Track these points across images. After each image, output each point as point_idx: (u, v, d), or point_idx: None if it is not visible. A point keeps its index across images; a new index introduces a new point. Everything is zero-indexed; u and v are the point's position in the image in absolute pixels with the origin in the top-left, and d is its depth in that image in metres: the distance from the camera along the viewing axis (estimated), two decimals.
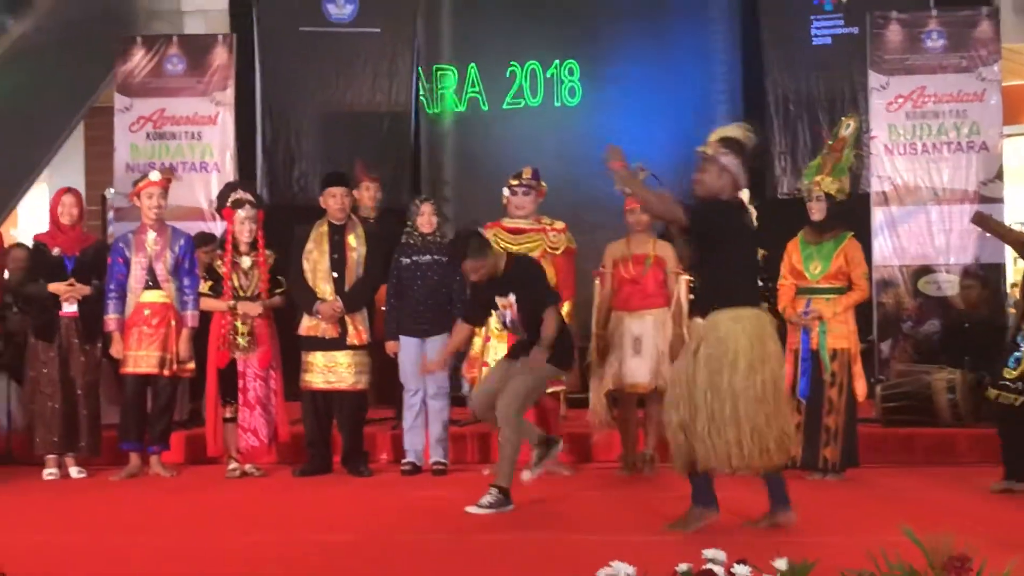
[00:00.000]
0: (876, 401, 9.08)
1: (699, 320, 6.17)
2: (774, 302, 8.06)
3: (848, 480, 7.80)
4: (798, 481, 7.80)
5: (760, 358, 5.98)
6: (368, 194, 9.24)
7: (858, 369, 7.90)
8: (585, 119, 11.79)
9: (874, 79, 10.37)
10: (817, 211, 7.96)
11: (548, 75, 11.95)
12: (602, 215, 9.76)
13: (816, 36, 11.37)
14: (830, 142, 8.24)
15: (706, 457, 5.96)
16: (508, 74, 11.95)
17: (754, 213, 8.13)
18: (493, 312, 7.52)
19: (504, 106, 11.96)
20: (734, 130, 6.32)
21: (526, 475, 7.44)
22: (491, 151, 11.62)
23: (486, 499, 6.84)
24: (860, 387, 7.89)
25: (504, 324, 7.44)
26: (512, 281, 7.20)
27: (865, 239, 8.42)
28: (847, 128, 8.24)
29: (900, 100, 10.33)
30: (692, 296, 8.10)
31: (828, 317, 7.82)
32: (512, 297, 7.14)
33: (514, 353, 7.35)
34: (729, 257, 6.11)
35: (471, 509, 6.79)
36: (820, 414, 7.82)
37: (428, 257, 8.37)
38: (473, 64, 11.98)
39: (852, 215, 8.47)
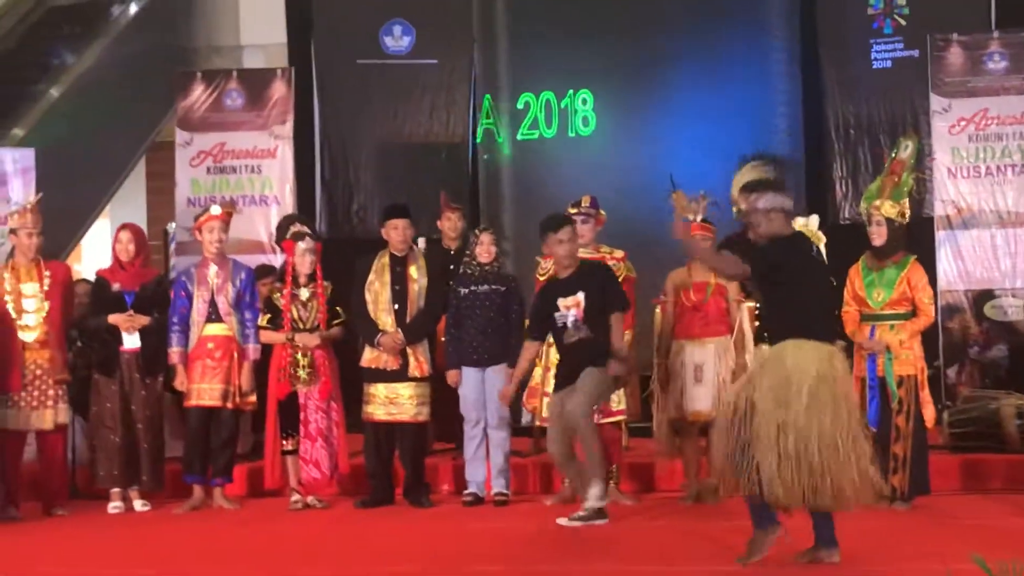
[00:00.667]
0: (943, 428, 8.94)
1: (765, 348, 6.10)
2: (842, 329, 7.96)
3: (917, 508, 7.68)
4: (865, 510, 7.70)
5: (829, 395, 5.86)
6: (449, 224, 9.26)
7: (926, 395, 7.78)
8: (643, 148, 11.75)
9: (936, 102, 10.27)
10: (877, 236, 7.86)
11: (606, 104, 11.93)
12: (662, 243, 9.70)
13: (876, 60, 11.29)
14: (886, 166, 8.15)
15: (772, 491, 5.81)
16: (564, 104, 11.94)
17: (823, 239, 8.09)
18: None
19: (570, 133, 11.94)
20: (749, 173, 6.28)
21: (549, 501, 7.83)
22: (550, 180, 11.61)
23: (591, 502, 6.98)
24: (928, 413, 7.78)
25: (565, 325, 7.38)
26: (582, 280, 7.20)
27: (929, 263, 8.33)
28: (906, 149, 8.15)
29: (963, 123, 10.22)
30: (757, 323, 8.05)
31: (895, 347, 7.71)
32: (581, 295, 7.08)
33: (563, 383, 7.34)
34: (795, 291, 6.00)
35: (563, 521, 6.77)
36: (888, 442, 7.71)
37: (486, 287, 8.35)
38: (529, 93, 11.98)
39: (913, 239, 8.36)
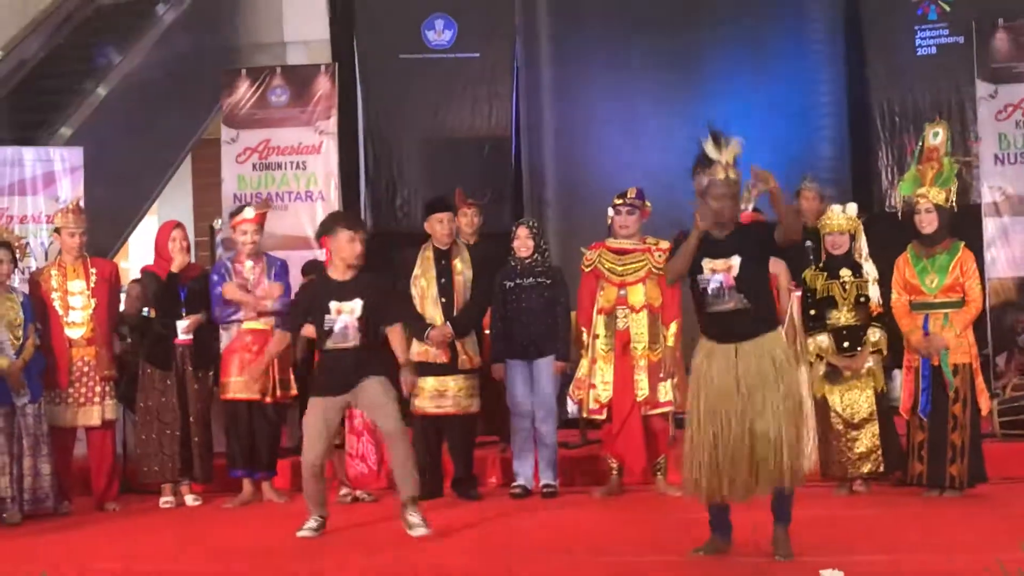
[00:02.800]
0: (992, 416, 8.88)
1: (758, 342, 6.02)
2: (887, 315, 7.93)
3: (968, 496, 7.64)
4: (918, 497, 7.68)
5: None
6: (466, 220, 9.26)
7: (981, 383, 7.75)
8: (687, 138, 11.70)
9: (982, 88, 10.19)
10: (928, 223, 7.81)
11: (648, 94, 11.91)
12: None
13: (921, 46, 11.22)
14: (917, 153, 8.10)
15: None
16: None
17: (860, 227, 8.05)
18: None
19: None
20: (716, 148, 6.23)
21: (597, 493, 7.95)
22: (594, 171, 11.60)
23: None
24: (984, 401, 7.74)
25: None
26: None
27: (977, 251, 8.27)
28: (935, 136, 8.09)
29: (1009, 108, 10.14)
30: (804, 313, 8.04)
31: (952, 344, 7.67)
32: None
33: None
34: (767, 276, 6.18)
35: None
36: (945, 431, 7.66)
37: (531, 280, 8.36)
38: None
39: (961, 227, 8.30)
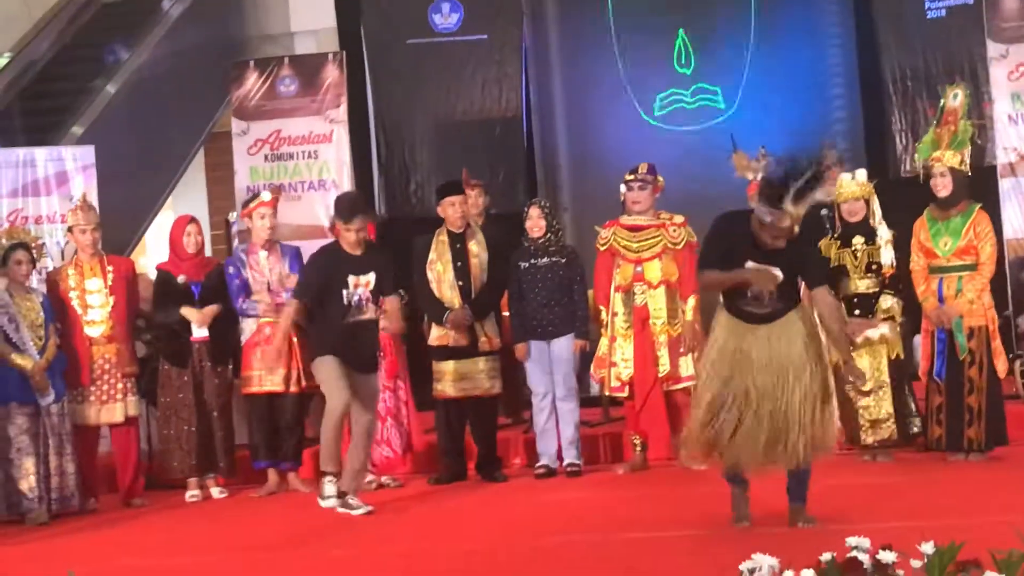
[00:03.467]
0: (1016, 377, 8.84)
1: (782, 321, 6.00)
2: (906, 282, 7.89)
3: (992, 459, 7.62)
4: (941, 462, 7.66)
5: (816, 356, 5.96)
6: (471, 200, 9.25)
7: (997, 345, 7.72)
8: (696, 107, 11.70)
9: (993, 48, 10.10)
10: (943, 187, 7.78)
11: (658, 69, 11.89)
12: (724, 207, 9.65)
13: (930, 9, 11.13)
14: (937, 116, 8.05)
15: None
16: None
17: (872, 192, 8.01)
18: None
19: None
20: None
21: (621, 470, 8.04)
22: (605, 148, 11.58)
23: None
24: (1001, 364, 7.72)
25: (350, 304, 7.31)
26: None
27: (994, 213, 8.22)
28: (955, 98, 8.03)
29: (1021, 68, 10.04)
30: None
31: (966, 311, 7.64)
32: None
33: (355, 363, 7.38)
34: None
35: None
36: (962, 394, 7.64)
37: (546, 259, 8.35)
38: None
39: (977, 189, 8.25)
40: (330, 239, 10.18)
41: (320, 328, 7.49)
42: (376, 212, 8.85)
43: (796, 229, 5.81)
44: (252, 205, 8.68)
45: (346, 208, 7.42)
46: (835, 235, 8.11)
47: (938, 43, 11.10)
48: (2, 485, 7.89)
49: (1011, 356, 8.75)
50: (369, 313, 7.36)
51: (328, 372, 7.27)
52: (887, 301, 7.86)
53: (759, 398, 5.79)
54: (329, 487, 7.18)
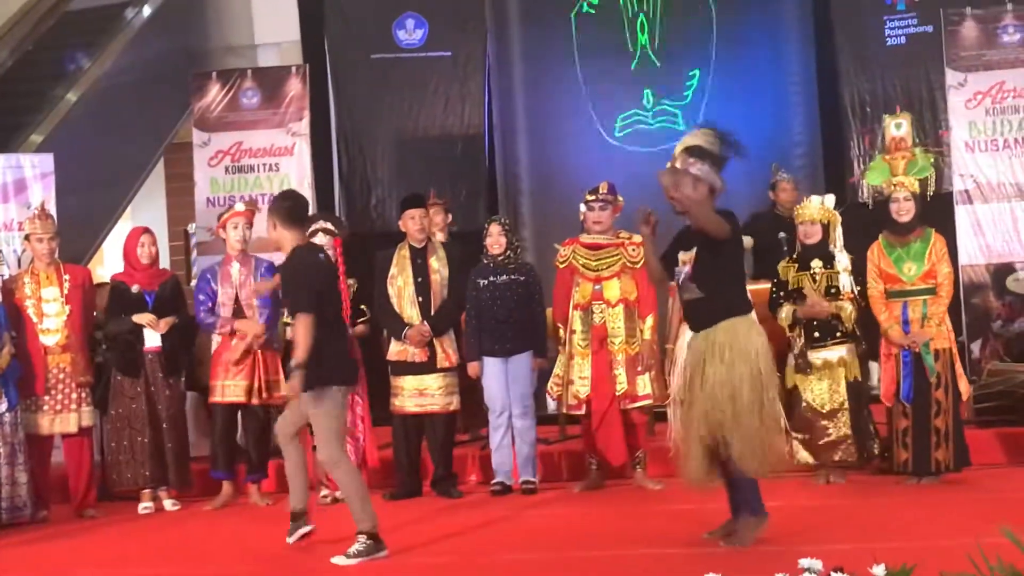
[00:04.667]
0: (968, 402, 8.92)
1: (707, 331, 6.08)
2: (864, 305, 7.96)
3: (946, 482, 7.68)
4: (898, 485, 7.71)
5: (771, 362, 6.07)
6: (438, 219, 9.28)
7: (960, 368, 7.82)
8: (658, 129, 11.76)
9: (951, 76, 10.22)
10: (907, 211, 7.85)
11: (619, 88, 11.93)
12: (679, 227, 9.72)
13: (890, 36, 11.28)
14: (880, 145, 8.15)
15: (763, 463, 5.96)
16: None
17: (838, 219, 8.08)
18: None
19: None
20: (698, 137, 6.19)
21: (577, 488, 8.03)
22: (567, 167, 11.61)
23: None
24: (964, 385, 7.81)
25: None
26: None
27: (949, 238, 8.31)
28: (899, 128, 8.14)
29: (979, 96, 10.17)
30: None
31: (934, 335, 7.72)
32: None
33: None
34: (731, 267, 6.15)
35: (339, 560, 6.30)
36: (928, 416, 7.70)
37: (505, 277, 8.37)
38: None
39: (933, 214, 8.34)
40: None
41: (315, 348, 6.60)
42: (341, 222, 8.76)
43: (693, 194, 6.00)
44: (226, 216, 8.67)
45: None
46: (793, 257, 8.17)
47: (897, 70, 11.24)
48: None
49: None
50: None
51: (339, 417, 6.59)
52: (846, 308, 7.91)
53: (690, 405, 6.09)
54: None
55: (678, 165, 6.12)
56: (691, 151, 6.12)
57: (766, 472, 6.01)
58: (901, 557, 4.50)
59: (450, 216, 9.60)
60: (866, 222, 8.38)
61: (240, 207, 8.71)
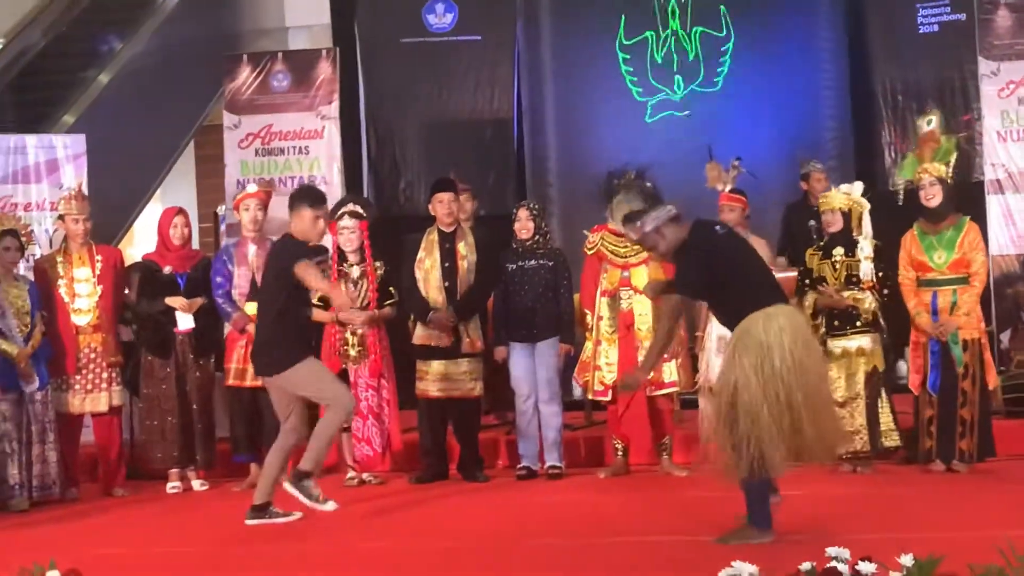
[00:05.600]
0: (997, 392, 8.88)
1: (730, 334, 6.03)
2: (889, 291, 7.93)
3: (976, 473, 7.65)
4: (923, 475, 7.69)
5: (806, 354, 5.80)
6: (459, 205, 9.27)
7: (988, 357, 7.79)
8: (689, 115, 11.73)
9: (984, 66, 10.16)
10: (933, 195, 7.83)
11: (648, 75, 11.90)
12: (703, 215, 9.68)
13: (923, 24, 11.20)
14: (914, 143, 8.13)
15: (768, 463, 5.74)
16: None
17: (867, 207, 8.04)
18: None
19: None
20: (618, 208, 6.64)
21: (603, 474, 8.03)
22: (596, 153, 11.60)
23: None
24: (992, 376, 7.78)
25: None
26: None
27: (980, 228, 8.26)
28: (929, 124, 8.11)
29: (1012, 86, 10.10)
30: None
31: (962, 324, 7.68)
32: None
33: None
34: (729, 275, 5.97)
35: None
36: (955, 406, 7.68)
37: (533, 262, 8.38)
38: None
39: (964, 204, 8.30)
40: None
41: (286, 330, 7.07)
42: (370, 204, 8.78)
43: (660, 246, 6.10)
44: (239, 197, 8.70)
45: (314, 193, 7.20)
46: (819, 245, 8.16)
47: (929, 58, 11.17)
48: None
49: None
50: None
51: (322, 372, 7.10)
52: (867, 300, 7.90)
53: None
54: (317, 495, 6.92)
55: (633, 236, 6.21)
56: (628, 219, 6.19)
57: (762, 475, 5.84)
58: (928, 547, 4.49)
59: (477, 203, 9.59)
60: (896, 214, 8.31)
61: (252, 188, 8.74)
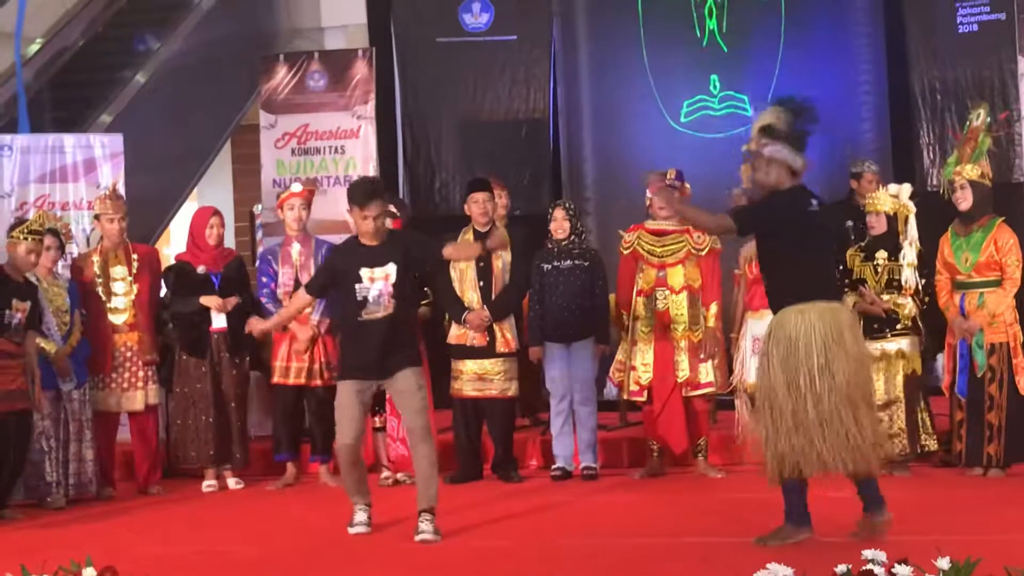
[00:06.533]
0: None
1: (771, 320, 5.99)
2: (930, 297, 7.89)
3: (1012, 476, 7.60)
4: (958, 477, 7.64)
5: (838, 355, 5.69)
6: (500, 203, 9.27)
7: (1020, 362, 7.69)
8: (725, 115, 11.68)
9: (1023, 65, 10.07)
10: (963, 200, 7.77)
11: (685, 74, 11.87)
12: None
13: (962, 24, 11.12)
14: (963, 136, 8.05)
15: (793, 464, 5.70)
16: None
17: (912, 210, 7.97)
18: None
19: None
20: (768, 116, 6.01)
21: (638, 475, 8.01)
22: (632, 152, 11.57)
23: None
24: (1022, 381, 7.69)
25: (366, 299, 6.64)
26: (393, 250, 6.68)
27: (1019, 229, 8.20)
28: (978, 117, 8.04)
29: None
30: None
31: (987, 324, 7.62)
32: (392, 268, 6.61)
33: (364, 367, 6.67)
34: (791, 250, 5.86)
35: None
36: (982, 411, 7.63)
37: (569, 262, 8.36)
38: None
39: (1004, 204, 8.23)
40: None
41: (342, 332, 7.04)
42: (404, 204, 8.80)
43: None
44: (283, 196, 8.72)
45: (361, 192, 6.63)
46: (861, 246, 8.11)
47: (969, 58, 11.08)
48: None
49: None
50: (390, 309, 6.52)
51: (342, 402, 6.61)
52: (907, 306, 7.85)
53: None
54: (360, 514, 6.70)
55: (753, 147, 6.01)
56: (763, 131, 6.00)
57: (783, 478, 5.81)
58: (965, 550, 4.46)
59: (510, 201, 9.57)
60: (937, 211, 8.25)
61: (297, 187, 8.75)
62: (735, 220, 6.05)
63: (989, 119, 8.08)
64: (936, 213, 8.32)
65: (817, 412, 5.68)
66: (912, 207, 8.00)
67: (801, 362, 5.70)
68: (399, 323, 6.61)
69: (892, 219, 7.98)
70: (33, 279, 7.90)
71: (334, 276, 6.71)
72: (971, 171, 7.78)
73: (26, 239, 7.78)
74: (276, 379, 8.52)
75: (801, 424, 5.68)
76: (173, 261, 8.99)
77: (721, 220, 6.11)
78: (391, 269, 6.54)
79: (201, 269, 8.55)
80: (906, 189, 8.09)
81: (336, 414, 6.66)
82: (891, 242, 7.97)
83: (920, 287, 7.90)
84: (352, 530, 6.65)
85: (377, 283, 6.52)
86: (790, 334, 5.75)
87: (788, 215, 5.90)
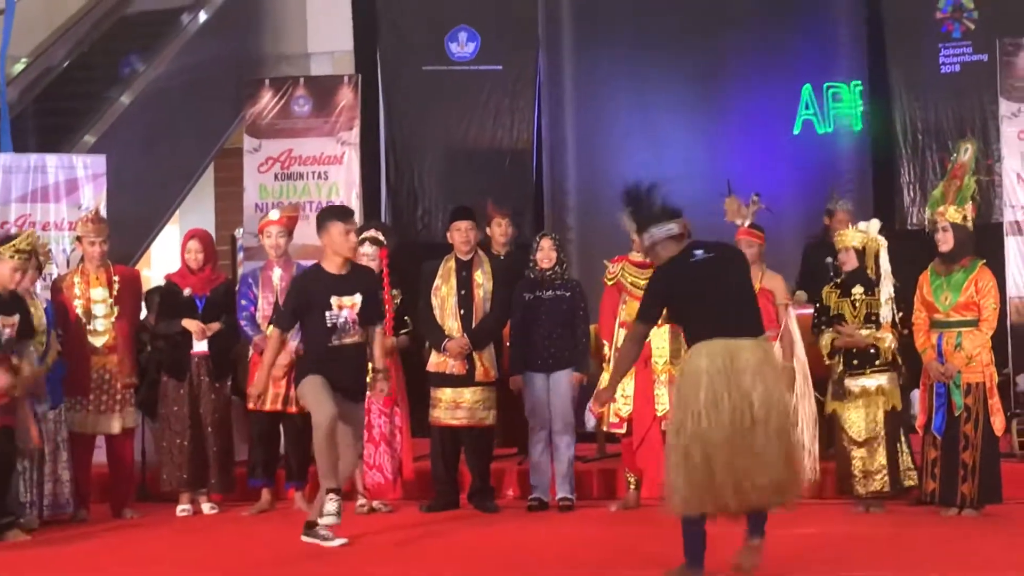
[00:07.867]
0: (1013, 436, 8.84)
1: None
2: (908, 333, 7.92)
3: (985, 516, 7.60)
4: (933, 516, 7.65)
5: (726, 388, 5.63)
6: (500, 230, 9.30)
7: (995, 403, 7.71)
8: (706, 150, 11.73)
9: (1005, 107, 10.14)
10: (944, 242, 7.80)
11: (668, 107, 11.91)
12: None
13: (944, 64, 11.20)
14: (948, 170, 8.10)
15: (690, 500, 5.69)
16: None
17: (883, 244, 8.01)
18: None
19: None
20: (627, 216, 6.23)
21: (614, 507, 7.96)
22: (615, 184, 11.58)
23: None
24: (998, 422, 7.70)
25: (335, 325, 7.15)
26: (359, 281, 7.18)
27: (998, 270, 8.24)
28: (965, 152, 8.10)
29: None
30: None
31: (963, 365, 7.64)
32: (358, 297, 7.12)
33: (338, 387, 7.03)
34: (683, 308, 5.98)
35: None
36: (957, 450, 7.64)
37: (550, 292, 8.38)
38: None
39: (982, 245, 8.26)
40: None
41: (305, 352, 7.27)
42: (391, 231, 8.81)
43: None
44: (262, 223, 8.73)
45: (340, 209, 7.10)
46: (837, 282, 8.14)
47: (950, 98, 11.17)
48: None
49: (1009, 415, 8.75)
50: (356, 336, 7.00)
51: (311, 388, 6.87)
52: (887, 339, 7.87)
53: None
54: (331, 504, 6.81)
55: (641, 245, 6.32)
56: (638, 227, 6.17)
57: (685, 511, 5.77)
58: None
59: (515, 229, 9.57)
60: (919, 249, 8.29)
61: (275, 215, 8.76)
62: (640, 321, 6.11)
63: (977, 157, 8.13)
64: (917, 252, 8.36)
65: (705, 450, 5.61)
66: (883, 241, 8.04)
67: (702, 398, 5.66)
68: (363, 351, 7.12)
69: (861, 254, 8.01)
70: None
71: (307, 301, 7.01)
72: (954, 214, 7.81)
73: (12, 257, 7.74)
74: (252, 405, 8.49)
75: (692, 459, 5.64)
76: (163, 281, 8.98)
77: (634, 333, 6.19)
78: (358, 299, 7.01)
79: (187, 292, 8.55)
80: (874, 224, 8.14)
81: (309, 398, 6.93)
82: (865, 277, 8.00)
83: (897, 320, 7.92)
84: (324, 520, 6.80)
85: (344, 310, 6.96)
86: (687, 372, 5.79)
87: (668, 287, 5.96)
